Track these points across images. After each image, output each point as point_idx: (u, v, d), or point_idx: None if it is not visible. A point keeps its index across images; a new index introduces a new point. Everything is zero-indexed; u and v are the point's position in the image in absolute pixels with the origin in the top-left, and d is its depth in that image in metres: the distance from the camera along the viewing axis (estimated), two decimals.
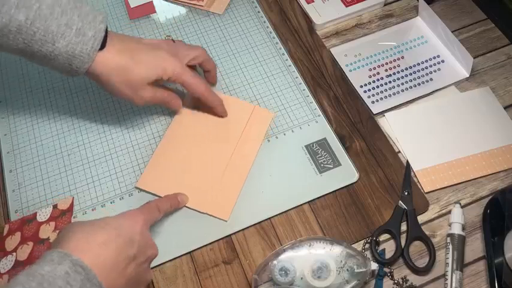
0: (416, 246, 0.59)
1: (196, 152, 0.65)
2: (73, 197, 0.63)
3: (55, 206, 0.62)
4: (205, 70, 0.68)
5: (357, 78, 0.72)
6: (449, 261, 0.56)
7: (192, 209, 0.61)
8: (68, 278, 0.40)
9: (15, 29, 0.51)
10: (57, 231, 0.59)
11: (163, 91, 0.62)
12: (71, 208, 0.61)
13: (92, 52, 0.54)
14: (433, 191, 0.62)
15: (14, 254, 0.58)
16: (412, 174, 0.63)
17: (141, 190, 0.63)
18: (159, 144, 0.66)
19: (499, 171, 0.63)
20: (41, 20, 0.52)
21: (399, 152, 0.66)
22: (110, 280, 0.43)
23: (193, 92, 0.63)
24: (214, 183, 0.63)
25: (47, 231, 0.59)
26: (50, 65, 0.56)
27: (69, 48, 0.53)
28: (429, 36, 0.76)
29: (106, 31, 0.56)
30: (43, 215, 0.61)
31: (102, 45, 0.55)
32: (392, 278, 0.56)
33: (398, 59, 0.74)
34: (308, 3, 0.80)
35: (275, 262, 0.55)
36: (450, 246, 0.57)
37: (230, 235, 0.60)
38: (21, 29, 0.51)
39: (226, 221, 0.60)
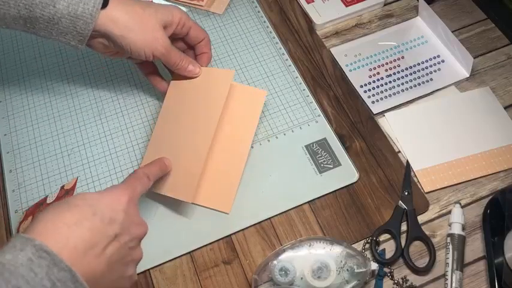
0: (416, 246, 0.59)
1: (187, 143, 0.61)
2: (77, 178, 0.63)
3: (62, 187, 0.63)
4: (198, 51, 0.65)
5: (357, 78, 0.72)
6: (449, 261, 0.56)
7: (193, 204, 0.61)
8: (31, 264, 0.36)
9: None
10: None
11: (180, 51, 0.61)
12: (73, 187, 0.62)
13: (95, 11, 0.54)
14: (433, 191, 0.62)
15: None
16: (412, 174, 0.63)
17: None
18: (149, 144, 0.63)
19: (499, 171, 0.63)
20: None
21: (399, 152, 0.66)
22: (85, 263, 0.39)
23: (198, 36, 0.63)
24: (212, 174, 0.61)
25: None
26: (55, 31, 0.55)
27: (71, 9, 0.53)
28: (429, 36, 0.76)
29: None
30: (51, 196, 0.62)
31: (105, 4, 0.55)
32: (392, 278, 0.56)
33: (399, 59, 0.74)
34: (308, 3, 0.80)
35: (275, 262, 0.55)
36: (450, 246, 0.57)
37: (230, 235, 0.60)
38: None
39: (227, 213, 0.60)
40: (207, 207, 0.61)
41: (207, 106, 0.61)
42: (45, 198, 0.62)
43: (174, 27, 0.60)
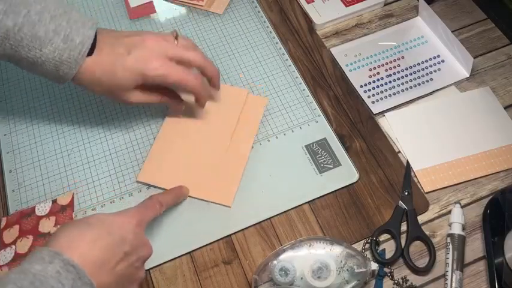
0: (417, 246, 0.59)
1: (194, 140, 0.65)
2: (73, 192, 0.63)
3: (54, 201, 0.62)
4: (205, 76, 0.64)
5: (357, 78, 0.72)
6: (449, 261, 0.56)
7: (194, 198, 0.62)
8: (59, 277, 0.40)
9: (2, 34, 0.52)
10: (58, 226, 0.59)
11: (157, 96, 0.62)
12: (71, 203, 0.62)
13: (80, 58, 0.54)
14: (433, 191, 0.62)
15: (14, 246, 0.58)
16: (412, 174, 0.63)
17: (142, 185, 0.63)
18: (157, 137, 0.66)
19: (499, 171, 0.63)
20: (29, 26, 0.52)
21: (399, 152, 0.66)
22: (99, 278, 0.43)
23: (184, 90, 0.62)
24: (215, 170, 0.63)
25: (47, 226, 0.60)
26: (37, 70, 0.55)
27: (57, 54, 0.53)
28: (429, 36, 0.76)
29: (95, 38, 0.55)
30: (42, 209, 0.61)
31: (91, 51, 0.55)
32: (392, 278, 0.56)
33: (399, 59, 0.74)
34: (308, 3, 0.80)
35: (275, 262, 0.55)
36: (450, 246, 0.57)
37: (230, 235, 0.60)
38: (9, 34, 0.52)
39: (229, 207, 0.61)
40: (208, 201, 0.61)
41: (224, 117, 0.67)
42: (33, 209, 0.61)
43: (151, 82, 0.59)
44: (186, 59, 0.60)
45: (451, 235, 0.57)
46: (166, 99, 0.63)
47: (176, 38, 0.60)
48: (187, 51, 0.60)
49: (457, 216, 0.58)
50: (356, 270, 0.54)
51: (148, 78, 0.57)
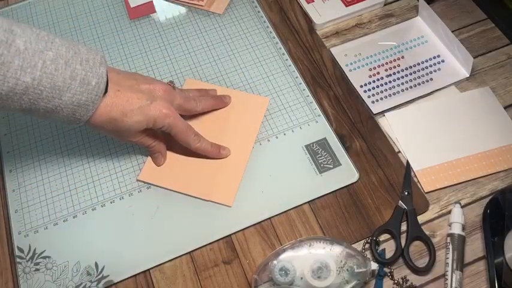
0: (417, 246, 0.59)
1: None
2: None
3: None
4: None
5: (357, 78, 0.72)
6: (449, 261, 0.56)
7: (195, 198, 0.62)
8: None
9: (21, 91, 0.49)
10: None
11: (157, 143, 0.63)
12: None
13: (97, 99, 0.53)
14: (433, 191, 0.62)
15: None
16: (412, 174, 0.63)
17: (142, 185, 0.63)
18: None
19: (499, 171, 0.63)
20: (47, 77, 0.49)
21: (399, 152, 0.66)
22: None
23: (180, 142, 0.62)
24: (215, 170, 0.64)
25: None
26: (52, 117, 0.54)
27: (75, 99, 0.52)
28: (429, 36, 0.76)
29: (107, 75, 0.54)
30: None
31: (105, 91, 0.54)
32: (392, 278, 0.56)
33: (399, 58, 0.74)
34: (308, 3, 0.80)
35: (275, 262, 0.55)
36: (450, 246, 0.57)
37: (230, 235, 0.60)
38: (28, 90, 0.49)
39: (230, 206, 0.61)
40: (209, 201, 0.62)
41: (225, 119, 0.68)
42: None
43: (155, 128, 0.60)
44: (187, 109, 0.64)
45: (451, 235, 0.57)
46: (156, 148, 0.63)
47: (174, 88, 0.62)
48: (188, 101, 0.63)
49: (457, 216, 0.58)
50: (356, 270, 0.54)
51: (157, 125, 0.58)
